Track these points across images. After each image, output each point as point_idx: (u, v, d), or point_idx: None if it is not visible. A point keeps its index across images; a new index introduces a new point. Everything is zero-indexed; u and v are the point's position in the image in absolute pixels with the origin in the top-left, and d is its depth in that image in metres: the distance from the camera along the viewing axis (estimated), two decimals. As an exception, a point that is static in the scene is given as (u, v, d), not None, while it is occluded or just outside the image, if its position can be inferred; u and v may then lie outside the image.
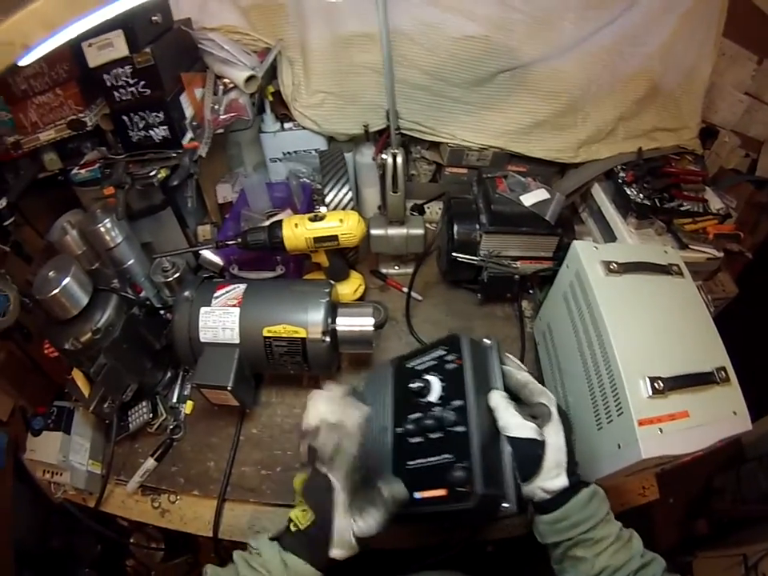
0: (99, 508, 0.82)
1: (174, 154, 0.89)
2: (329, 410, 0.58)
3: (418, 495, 0.56)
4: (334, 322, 0.81)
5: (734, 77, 1.19)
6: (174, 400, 0.91)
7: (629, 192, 1.03)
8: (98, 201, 0.90)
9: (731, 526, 1.41)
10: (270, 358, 0.80)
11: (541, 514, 0.54)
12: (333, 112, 1.07)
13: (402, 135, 1.07)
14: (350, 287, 0.99)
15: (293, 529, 0.53)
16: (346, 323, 0.82)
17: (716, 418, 0.61)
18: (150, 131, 0.89)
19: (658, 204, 1.01)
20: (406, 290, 0.96)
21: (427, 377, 0.63)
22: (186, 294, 0.82)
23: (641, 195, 1.03)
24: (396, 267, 1.10)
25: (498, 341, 0.65)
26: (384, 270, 1.10)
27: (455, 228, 0.94)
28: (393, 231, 0.98)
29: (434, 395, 0.61)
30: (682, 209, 1.02)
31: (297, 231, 0.83)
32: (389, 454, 0.63)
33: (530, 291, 1.04)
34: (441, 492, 0.54)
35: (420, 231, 0.98)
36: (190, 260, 0.99)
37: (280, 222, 0.84)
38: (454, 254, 0.94)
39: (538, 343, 0.95)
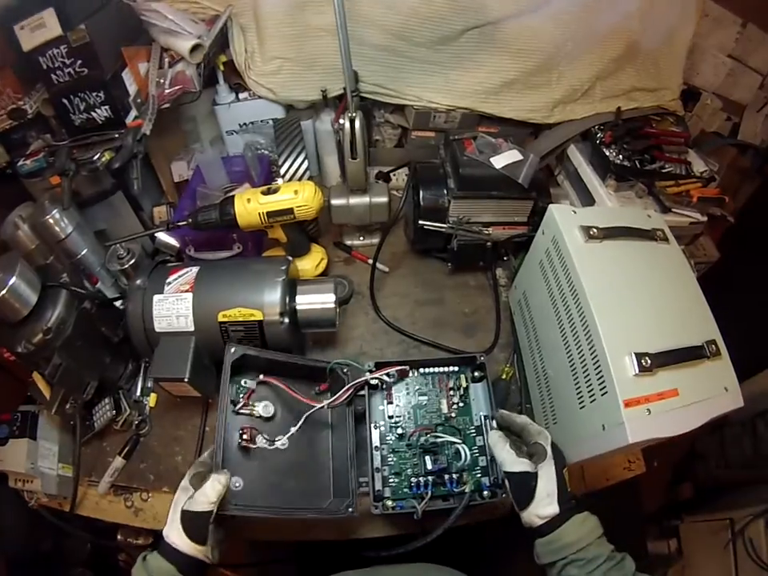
0: (74, 512, 0.79)
1: (117, 135, 0.84)
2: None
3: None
4: (293, 300, 0.77)
5: (717, 39, 1.16)
6: (138, 393, 0.87)
7: (607, 153, 0.98)
8: (47, 191, 0.85)
9: (716, 490, 1.39)
10: (228, 343, 0.76)
11: (538, 538, 0.57)
12: (290, 78, 1.00)
13: (363, 99, 1.00)
14: (311, 262, 0.93)
15: None
16: (306, 301, 0.77)
17: (707, 395, 0.57)
18: (92, 113, 0.84)
19: (639, 166, 0.96)
20: (371, 261, 0.90)
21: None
22: (139, 281, 0.77)
23: (620, 156, 0.97)
24: (361, 238, 1.04)
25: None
26: (348, 242, 1.04)
27: (421, 194, 0.89)
28: (355, 200, 0.92)
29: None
30: (663, 171, 0.98)
31: (249, 207, 0.78)
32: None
33: (505, 258, 0.99)
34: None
35: (384, 199, 0.92)
36: (146, 245, 0.94)
37: (232, 198, 0.79)
38: (421, 221, 0.88)
39: (514, 313, 0.91)
